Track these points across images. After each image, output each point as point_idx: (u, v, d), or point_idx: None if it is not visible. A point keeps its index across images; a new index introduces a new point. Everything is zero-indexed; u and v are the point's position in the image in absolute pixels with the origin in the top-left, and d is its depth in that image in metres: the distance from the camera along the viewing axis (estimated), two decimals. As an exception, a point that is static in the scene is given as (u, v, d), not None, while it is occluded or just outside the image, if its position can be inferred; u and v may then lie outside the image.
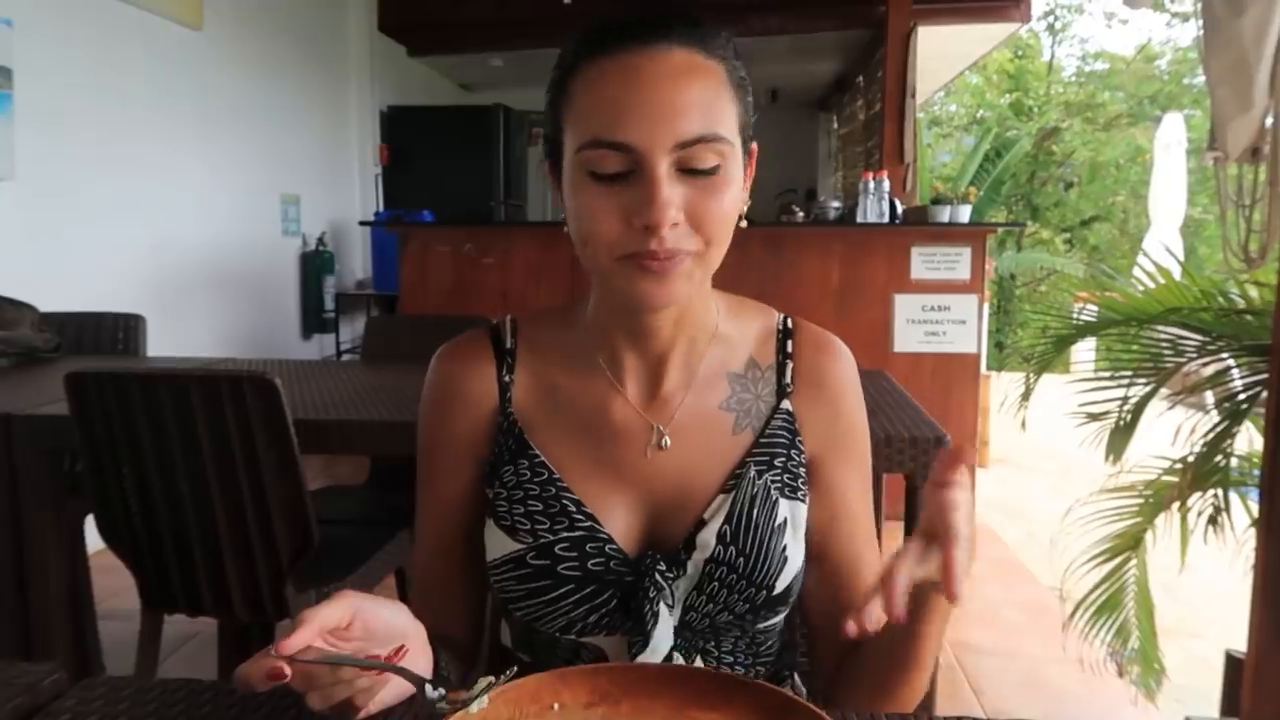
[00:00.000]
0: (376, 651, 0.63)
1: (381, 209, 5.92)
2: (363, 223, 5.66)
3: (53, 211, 3.31)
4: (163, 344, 3.14)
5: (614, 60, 0.70)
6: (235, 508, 1.65)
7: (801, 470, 0.84)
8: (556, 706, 0.64)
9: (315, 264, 5.34)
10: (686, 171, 0.70)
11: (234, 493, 1.64)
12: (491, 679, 0.63)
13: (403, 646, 0.63)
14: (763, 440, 0.82)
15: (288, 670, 0.57)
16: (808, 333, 0.87)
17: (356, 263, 6.09)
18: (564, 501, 0.80)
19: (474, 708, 0.61)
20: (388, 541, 2.00)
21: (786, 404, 0.84)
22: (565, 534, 0.79)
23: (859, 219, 4.05)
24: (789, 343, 0.86)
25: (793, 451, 0.83)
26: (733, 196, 0.72)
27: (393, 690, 0.64)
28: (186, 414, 1.59)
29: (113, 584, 2.54)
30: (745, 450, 0.82)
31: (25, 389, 2.02)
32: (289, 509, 1.65)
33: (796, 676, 0.94)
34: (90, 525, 1.83)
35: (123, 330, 2.69)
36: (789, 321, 0.88)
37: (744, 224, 0.77)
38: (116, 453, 1.66)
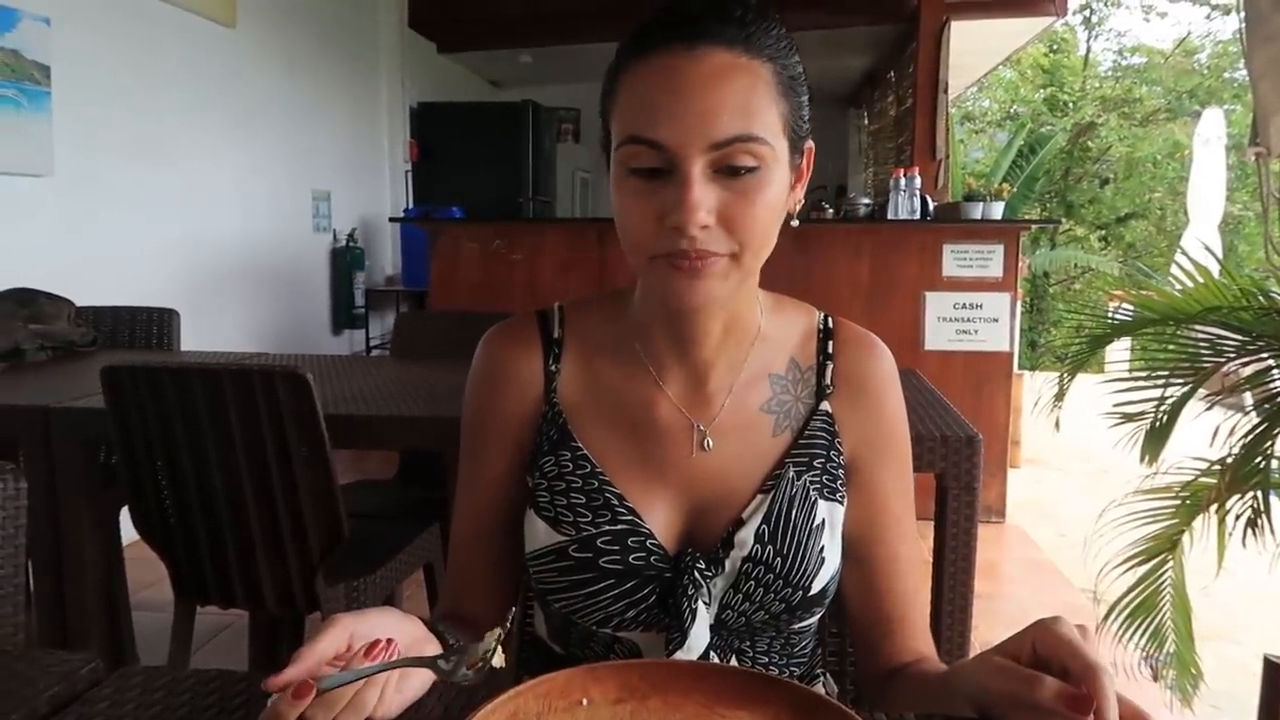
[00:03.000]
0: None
1: (411, 205, 5.96)
2: (393, 219, 5.70)
3: (90, 207, 3.37)
4: (196, 339, 3.18)
5: (655, 60, 0.70)
6: (267, 501, 1.67)
7: (840, 472, 0.83)
8: (585, 701, 0.64)
9: (345, 260, 5.38)
10: (722, 173, 0.69)
11: (266, 486, 1.65)
12: (499, 630, 0.64)
13: (391, 640, 0.63)
14: (801, 441, 0.82)
15: (311, 683, 0.57)
16: (848, 332, 0.87)
17: (386, 259, 6.13)
18: (606, 495, 0.80)
19: (495, 661, 0.63)
20: (416, 536, 2.01)
21: (826, 405, 0.84)
22: (608, 527, 0.79)
23: (890, 216, 4.02)
24: (829, 343, 0.86)
25: (831, 453, 0.83)
26: (771, 198, 0.71)
27: (397, 700, 0.64)
28: (219, 408, 1.61)
29: (146, 576, 2.59)
30: (784, 451, 0.82)
31: (62, 382, 2.06)
32: (320, 503, 1.66)
33: (828, 676, 0.93)
34: (125, 517, 1.86)
35: (157, 325, 2.73)
36: (829, 321, 0.87)
37: (795, 223, 0.77)
38: (151, 445, 1.68)
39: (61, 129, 3.19)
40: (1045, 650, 0.62)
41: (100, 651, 1.70)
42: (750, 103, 0.69)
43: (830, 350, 0.85)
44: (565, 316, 0.87)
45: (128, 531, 1.90)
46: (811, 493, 0.81)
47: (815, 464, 0.82)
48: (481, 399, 0.87)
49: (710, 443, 0.81)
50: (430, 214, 4.96)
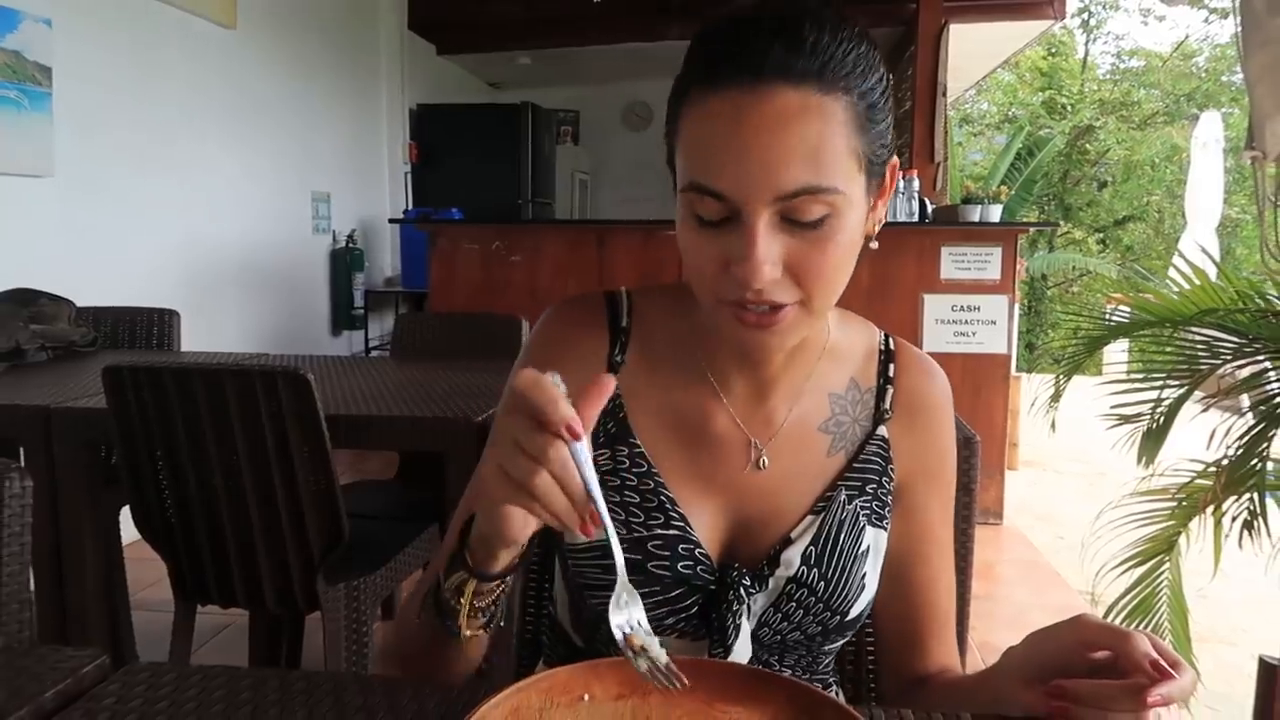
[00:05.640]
0: None
1: (410, 207, 5.96)
2: (392, 220, 5.70)
3: (90, 208, 3.37)
4: (196, 339, 3.18)
5: (720, 98, 0.64)
6: (268, 501, 1.67)
7: (889, 498, 0.82)
8: (586, 697, 0.64)
9: (345, 261, 5.39)
10: (790, 221, 0.65)
11: (266, 486, 1.66)
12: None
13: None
14: (855, 465, 0.81)
15: (579, 430, 0.56)
16: (908, 356, 0.86)
17: (385, 260, 6.14)
18: (661, 498, 0.78)
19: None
20: (416, 537, 2.02)
21: (882, 430, 0.83)
22: (660, 531, 0.77)
23: (888, 218, 4.02)
24: (890, 366, 0.85)
25: (883, 479, 0.82)
26: (843, 243, 0.67)
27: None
28: (221, 408, 1.62)
29: (146, 576, 2.59)
30: (837, 473, 0.81)
31: (63, 382, 2.06)
32: (320, 503, 1.67)
33: (836, 684, 0.93)
34: (125, 517, 1.86)
35: (158, 325, 2.74)
36: (890, 342, 0.86)
37: (874, 245, 0.74)
38: (152, 445, 1.69)
39: (62, 130, 3.20)
40: (1089, 636, 0.63)
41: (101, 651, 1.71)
42: (821, 149, 0.64)
43: (891, 374, 0.84)
44: (634, 305, 0.84)
45: (127, 531, 1.91)
46: (860, 518, 0.80)
47: (867, 489, 0.81)
48: (542, 364, 0.83)
49: (766, 461, 0.80)
50: (429, 215, 4.96)
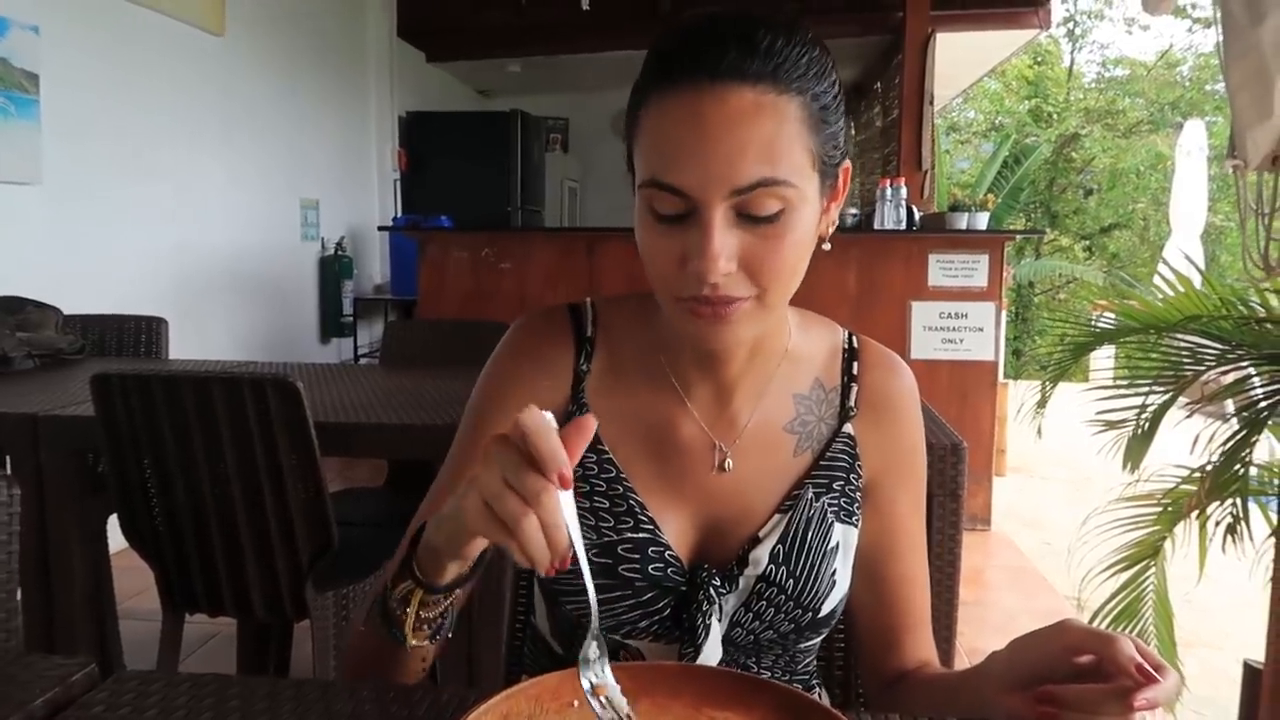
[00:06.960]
0: None
1: (400, 214, 5.96)
2: (381, 228, 5.69)
3: (77, 215, 3.36)
4: (184, 347, 3.17)
5: (677, 98, 0.66)
6: (256, 509, 1.67)
7: (858, 495, 0.83)
8: (576, 704, 0.64)
9: (334, 268, 5.38)
10: (745, 216, 0.67)
11: (255, 494, 1.66)
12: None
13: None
14: (822, 463, 0.82)
15: (570, 479, 0.57)
16: (872, 353, 0.87)
17: (374, 267, 6.13)
18: (630, 502, 0.79)
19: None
20: (405, 544, 2.01)
21: (848, 427, 0.84)
22: (629, 535, 0.79)
23: (876, 226, 4.05)
24: (854, 364, 0.86)
25: (851, 475, 0.83)
26: (796, 239, 0.69)
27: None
28: (210, 416, 1.61)
29: (132, 584, 2.58)
30: (804, 472, 0.82)
31: (50, 390, 2.05)
32: (309, 511, 1.67)
33: (821, 685, 0.94)
34: (112, 525, 1.85)
35: (145, 333, 2.72)
36: (854, 340, 0.87)
37: (826, 247, 0.76)
38: (140, 453, 1.68)
39: (50, 137, 3.19)
40: (1074, 640, 0.64)
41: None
42: (776, 144, 0.66)
43: (855, 371, 0.85)
44: (598, 315, 0.86)
45: (114, 539, 1.90)
46: (829, 515, 0.81)
47: (834, 486, 0.82)
48: (508, 380, 0.84)
49: (730, 464, 0.81)
50: (419, 223, 4.96)
